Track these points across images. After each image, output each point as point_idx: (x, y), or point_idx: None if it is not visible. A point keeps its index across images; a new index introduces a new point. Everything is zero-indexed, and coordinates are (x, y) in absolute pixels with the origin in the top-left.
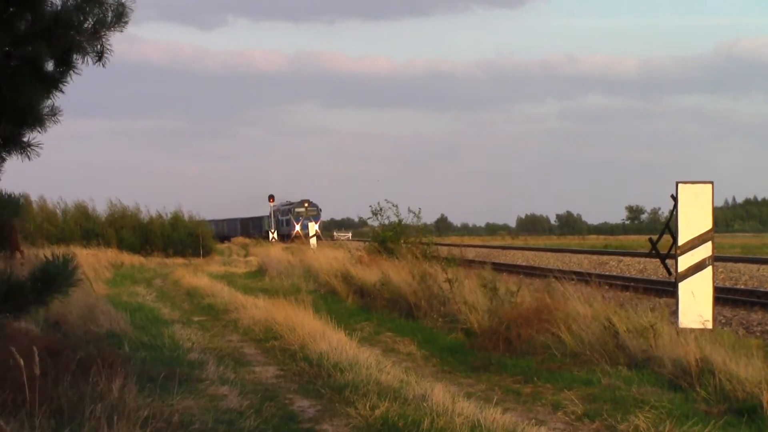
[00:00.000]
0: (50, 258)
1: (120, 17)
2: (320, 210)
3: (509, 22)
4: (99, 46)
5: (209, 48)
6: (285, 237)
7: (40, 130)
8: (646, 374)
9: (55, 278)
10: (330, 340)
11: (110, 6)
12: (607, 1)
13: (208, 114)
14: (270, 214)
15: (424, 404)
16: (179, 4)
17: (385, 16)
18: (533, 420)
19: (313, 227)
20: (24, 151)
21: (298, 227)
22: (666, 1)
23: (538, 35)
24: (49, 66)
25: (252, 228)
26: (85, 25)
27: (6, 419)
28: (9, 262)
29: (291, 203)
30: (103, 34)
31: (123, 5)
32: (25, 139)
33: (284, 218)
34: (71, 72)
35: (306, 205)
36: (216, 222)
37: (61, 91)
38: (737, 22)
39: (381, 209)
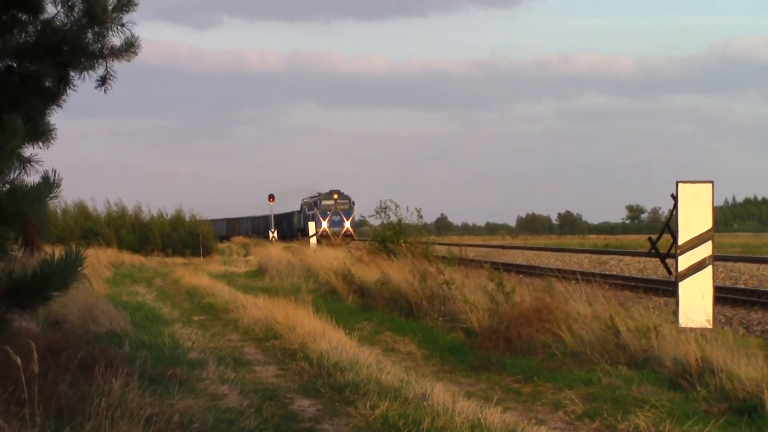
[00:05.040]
0: (54, 254)
1: (130, 46)
2: (353, 203)
3: (505, 22)
4: (104, 71)
5: (205, 48)
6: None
7: (42, 145)
8: (646, 373)
9: (58, 274)
10: (330, 339)
11: (115, 30)
12: (602, 0)
13: (205, 114)
14: (300, 208)
15: (425, 403)
16: (174, 4)
17: (380, 16)
18: (533, 419)
19: (317, 225)
20: (24, 167)
21: (325, 224)
22: (660, 0)
23: (534, 35)
24: (47, 82)
25: (285, 226)
26: (91, 49)
27: (7, 418)
28: (26, 259)
29: (319, 194)
30: (107, 57)
31: (135, 37)
32: (27, 155)
33: (311, 213)
34: (69, 88)
35: (335, 197)
36: (242, 220)
37: (60, 106)
38: (730, 21)
39: (385, 208)
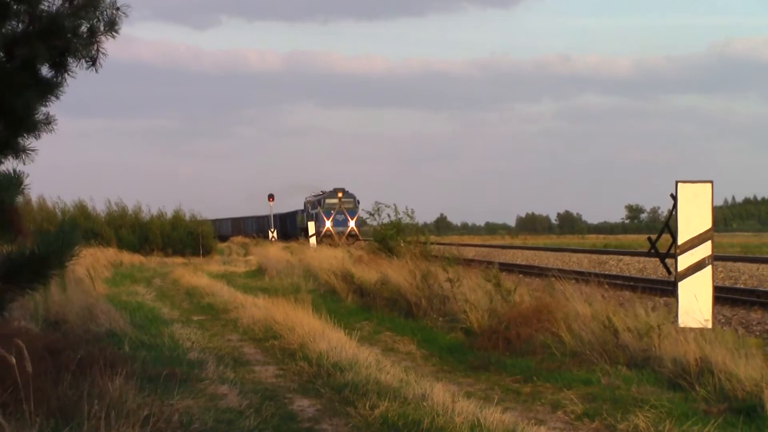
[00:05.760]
0: (47, 233)
1: (112, 25)
2: (358, 202)
3: (503, 22)
4: (94, 51)
5: (204, 48)
6: (316, 236)
7: (35, 136)
8: (645, 374)
9: (56, 251)
10: (329, 339)
11: (103, 13)
12: (601, 0)
13: (205, 114)
14: (303, 206)
15: (424, 403)
16: (173, 4)
17: (378, 16)
18: (533, 419)
19: (320, 225)
20: (18, 156)
21: (329, 223)
22: (659, 0)
23: (533, 35)
24: (44, 70)
25: (289, 225)
26: (81, 29)
27: (6, 418)
28: (13, 247)
29: (323, 193)
30: (97, 39)
31: (115, 11)
32: (21, 144)
33: (314, 211)
34: (66, 75)
35: (340, 195)
36: (247, 219)
37: (57, 96)
38: (730, 21)
39: (378, 210)
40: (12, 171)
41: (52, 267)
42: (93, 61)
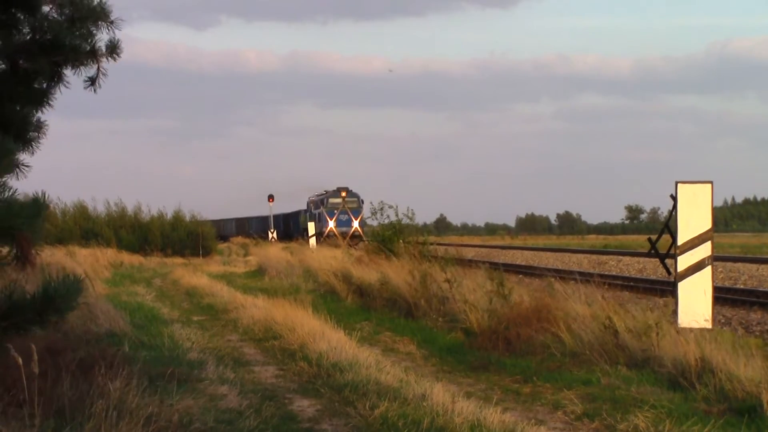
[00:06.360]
0: (54, 278)
1: (113, 48)
2: (362, 201)
3: (503, 22)
4: (94, 72)
5: (203, 48)
6: (318, 236)
7: (29, 152)
8: (645, 374)
9: (61, 298)
10: (329, 339)
11: (101, 30)
12: (600, 1)
13: (204, 114)
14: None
15: (424, 404)
16: (172, 4)
17: (377, 17)
18: (533, 419)
19: (323, 225)
20: (12, 171)
21: (332, 223)
22: (658, 0)
23: (532, 35)
24: (39, 82)
25: (292, 226)
26: (81, 49)
27: (6, 419)
28: (19, 275)
29: (326, 192)
30: (98, 59)
31: (109, 24)
32: (17, 159)
33: (317, 211)
34: (63, 85)
35: (343, 194)
36: (251, 219)
37: (50, 103)
38: (729, 22)
39: (381, 209)
40: (41, 194)
41: (53, 313)
42: (92, 81)
